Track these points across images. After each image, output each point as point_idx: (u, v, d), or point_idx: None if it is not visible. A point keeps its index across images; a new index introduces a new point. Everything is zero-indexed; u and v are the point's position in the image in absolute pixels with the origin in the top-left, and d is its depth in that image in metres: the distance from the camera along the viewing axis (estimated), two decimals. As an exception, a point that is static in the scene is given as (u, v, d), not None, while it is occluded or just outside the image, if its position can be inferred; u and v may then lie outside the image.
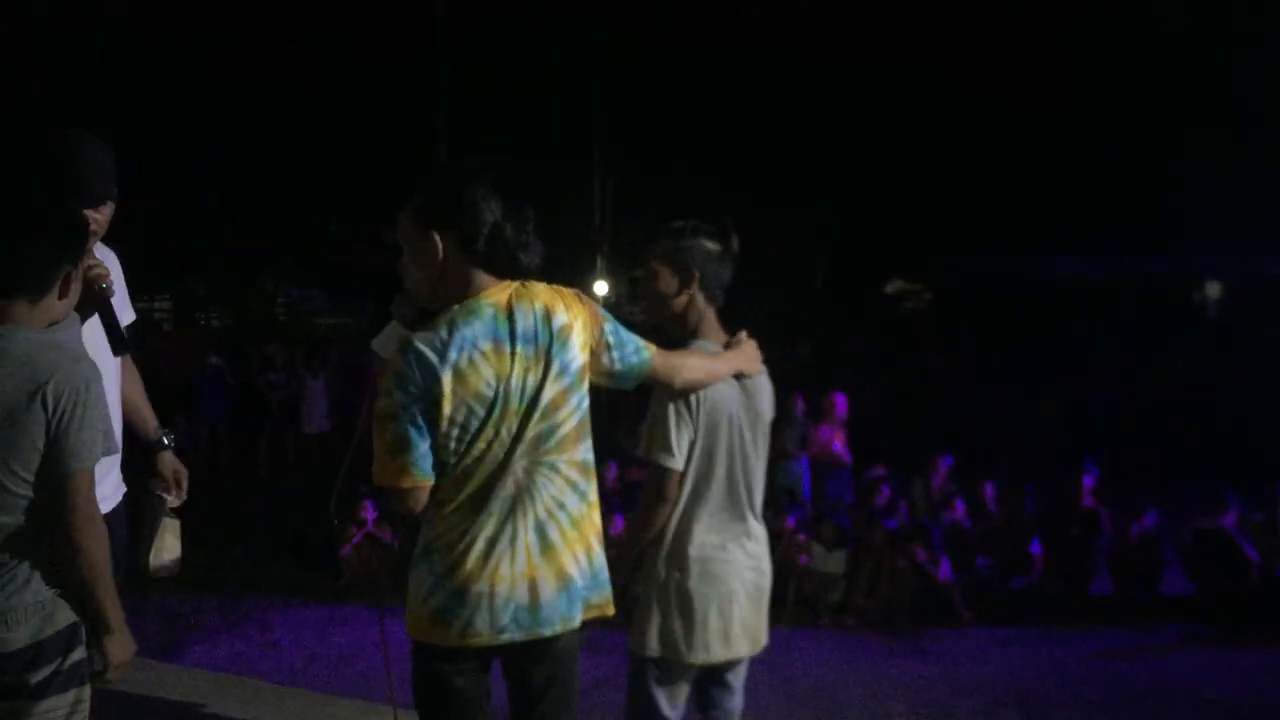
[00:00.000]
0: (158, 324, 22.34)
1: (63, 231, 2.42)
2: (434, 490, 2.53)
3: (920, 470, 10.17)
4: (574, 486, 2.59)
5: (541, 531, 2.54)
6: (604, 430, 2.68)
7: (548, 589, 2.53)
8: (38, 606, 2.35)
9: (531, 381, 2.51)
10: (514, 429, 2.50)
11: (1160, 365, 16.49)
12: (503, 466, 2.50)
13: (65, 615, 2.39)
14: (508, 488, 2.51)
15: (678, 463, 2.98)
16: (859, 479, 10.31)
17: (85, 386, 2.34)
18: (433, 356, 2.45)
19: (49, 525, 2.36)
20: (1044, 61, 19.39)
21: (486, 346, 2.48)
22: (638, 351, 2.75)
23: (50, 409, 2.29)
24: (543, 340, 2.53)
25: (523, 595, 2.51)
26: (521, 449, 2.51)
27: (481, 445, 2.49)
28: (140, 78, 16.83)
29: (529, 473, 2.52)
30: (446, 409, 2.45)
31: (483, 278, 2.55)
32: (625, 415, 11.19)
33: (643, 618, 3.03)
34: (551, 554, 2.54)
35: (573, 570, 2.57)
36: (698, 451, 3.01)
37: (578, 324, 2.60)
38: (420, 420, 2.47)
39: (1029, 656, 7.60)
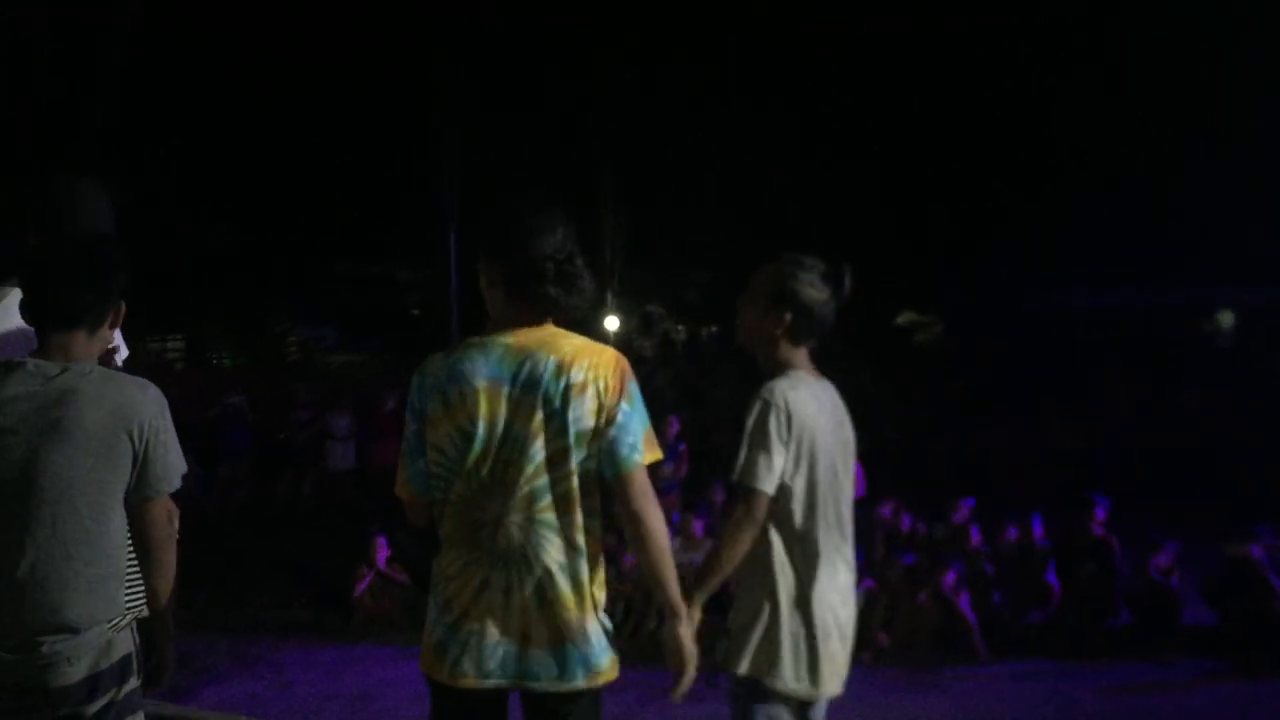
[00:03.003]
0: (170, 364, 22.41)
1: (117, 266, 2.57)
2: (440, 520, 2.55)
3: (939, 511, 10.08)
4: (579, 551, 2.51)
5: (540, 591, 2.48)
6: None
7: (539, 643, 2.49)
8: (96, 640, 2.44)
9: (524, 431, 2.45)
10: (499, 474, 2.46)
11: (1173, 396, 16.41)
12: (486, 510, 2.46)
13: (121, 648, 2.50)
14: (500, 542, 2.47)
15: (770, 485, 2.91)
16: (870, 514, 10.24)
17: (159, 414, 2.50)
18: (429, 382, 2.49)
19: (123, 556, 2.50)
20: (1055, 93, 19.45)
21: (481, 383, 2.46)
22: (633, 447, 2.54)
23: (136, 441, 2.43)
24: (549, 392, 2.46)
25: (512, 644, 2.48)
26: (513, 502, 2.46)
27: (463, 483, 2.47)
28: (149, 119, 16.98)
29: (525, 530, 2.47)
30: (431, 435, 2.49)
31: (516, 316, 2.54)
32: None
33: (743, 641, 2.97)
34: (549, 611, 2.49)
35: (572, 634, 2.50)
36: (800, 479, 2.96)
37: (596, 386, 2.50)
38: (415, 439, 2.53)
39: (1047, 691, 7.52)
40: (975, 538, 9.28)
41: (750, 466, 2.91)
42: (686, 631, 2.68)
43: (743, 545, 2.93)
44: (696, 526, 9.53)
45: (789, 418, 2.93)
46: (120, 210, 3.04)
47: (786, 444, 2.93)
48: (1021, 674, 7.95)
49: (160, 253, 15.60)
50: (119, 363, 3.04)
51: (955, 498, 9.93)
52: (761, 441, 2.91)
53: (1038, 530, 9.32)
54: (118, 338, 3.10)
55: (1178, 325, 19.82)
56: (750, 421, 2.94)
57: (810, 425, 2.97)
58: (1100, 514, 9.15)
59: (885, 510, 9.88)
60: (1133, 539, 9.15)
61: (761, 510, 2.93)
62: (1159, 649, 8.32)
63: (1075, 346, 18.36)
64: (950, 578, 8.52)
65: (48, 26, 14.12)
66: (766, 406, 2.95)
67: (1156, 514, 10.40)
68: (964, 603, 8.46)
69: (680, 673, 2.68)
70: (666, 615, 2.68)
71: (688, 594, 2.77)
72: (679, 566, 2.73)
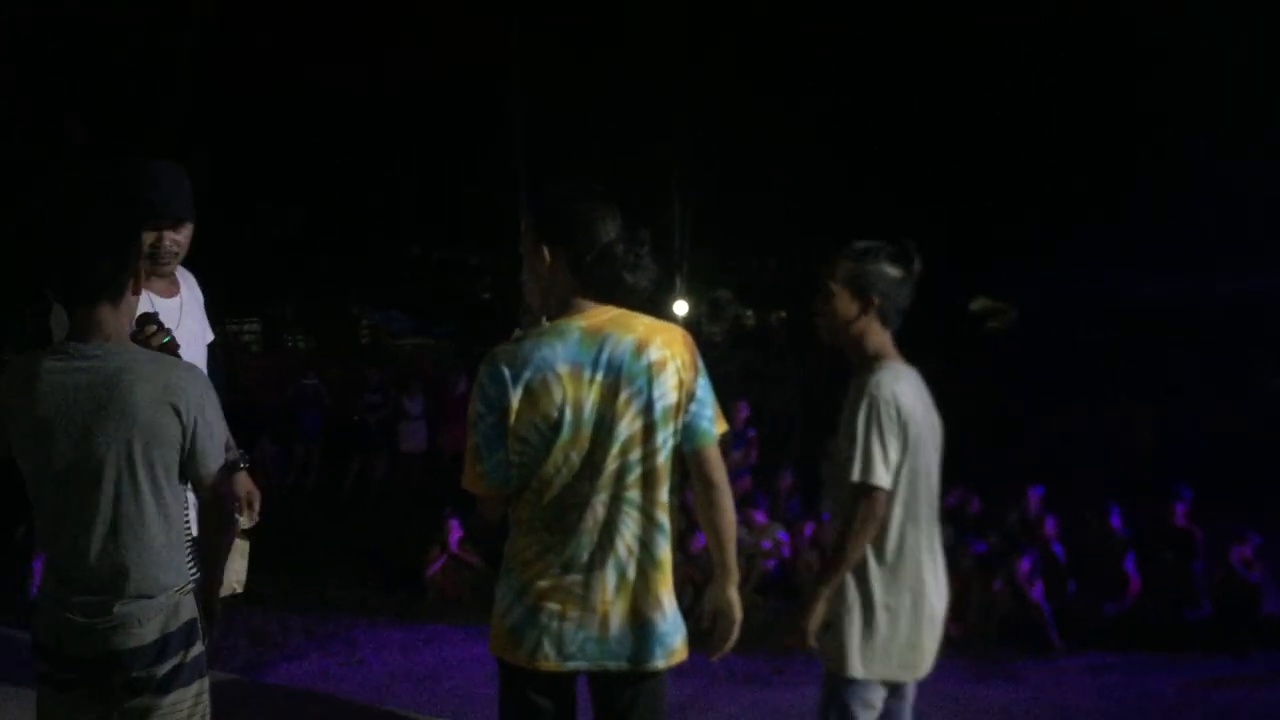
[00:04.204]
0: (246, 346, 22.85)
1: (125, 235, 2.53)
2: (515, 506, 2.54)
3: (1013, 501, 9.93)
4: (660, 528, 2.54)
5: (621, 572, 2.50)
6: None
7: (618, 624, 2.50)
8: (165, 604, 2.49)
9: (610, 412, 2.47)
10: (586, 455, 2.47)
11: (1254, 386, 16.01)
12: (576, 493, 2.48)
13: (188, 611, 2.54)
14: (587, 521, 2.48)
15: (889, 481, 2.98)
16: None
17: (205, 394, 2.51)
18: (507, 372, 2.46)
19: (181, 526, 2.54)
20: (1131, 78, 18.99)
21: (563, 369, 2.46)
22: (712, 420, 2.60)
23: (184, 418, 2.45)
24: (629, 372, 2.48)
25: (593, 627, 2.49)
26: (600, 481, 2.48)
27: (551, 468, 2.47)
28: (223, 108, 17.26)
29: (610, 509, 2.49)
30: (513, 424, 2.46)
31: (583, 300, 2.54)
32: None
33: (846, 636, 3.03)
34: (627, 592, 2.51)
35: (652, 613, 2.53)
36: (904, 474, 3.03)
37: (675, 363, 2.52)
38: (493, 432, 2.48)
39: (1123, 684, 7.39)
40: (1050, 526, 9.14)
41: (869, 464, 2.96)
42: (736, 594, 2.72)
43: (865, 541, 2.99)
44: (757, 516, 9.55)
45: (897, 411, 3.00)
46: (199, 196, 3.08)
47: (898, 433, 2.99)
48: (1098, 666, 7.82)
49: (237, 238, 15.89)
50: (203, 346, 3.07)
51: (1025, 487, 9.80)
52: (877, 438, 2.97)
53: (1115, 520, 9.15)
54: (203, 322, 3.14)
55: (1260, 312, 19.31)
56: (861, 419, 2.98)
57: (913, 417, 3.04)
58: (1184, 505, 8.97)
59: (951, 499, 9.78)
60: (1217, 529, 8.96)
61: (883, 507, 2.98)
62: (1239, 642, 8.13)
63: (1153, 335, 17.98)
64: (1025, 565, 8.40)
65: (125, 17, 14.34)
66: (874, 402, 3.00)
67: (1240, 504, 10.16)
68: (1037, 592, 8.33)
69: (726, 635, 2.71)
70: (719, 575, 2.71)
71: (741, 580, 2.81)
72: (745, 547, 2.74)
